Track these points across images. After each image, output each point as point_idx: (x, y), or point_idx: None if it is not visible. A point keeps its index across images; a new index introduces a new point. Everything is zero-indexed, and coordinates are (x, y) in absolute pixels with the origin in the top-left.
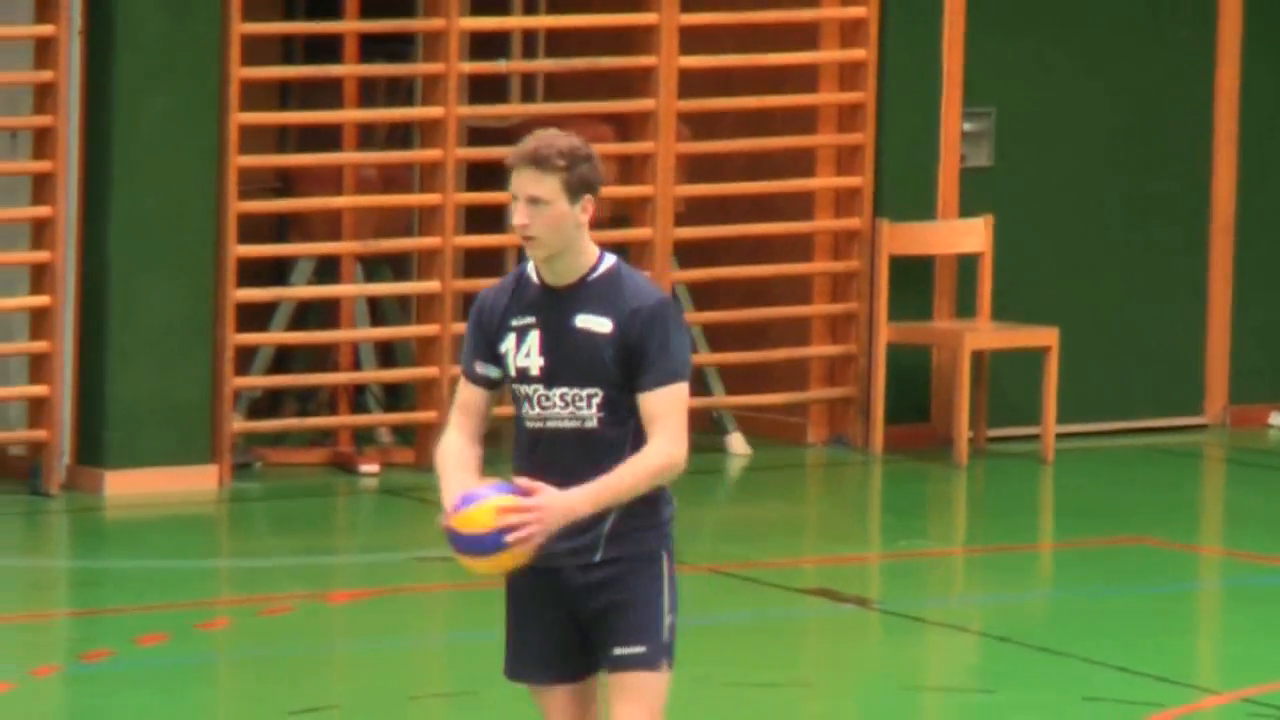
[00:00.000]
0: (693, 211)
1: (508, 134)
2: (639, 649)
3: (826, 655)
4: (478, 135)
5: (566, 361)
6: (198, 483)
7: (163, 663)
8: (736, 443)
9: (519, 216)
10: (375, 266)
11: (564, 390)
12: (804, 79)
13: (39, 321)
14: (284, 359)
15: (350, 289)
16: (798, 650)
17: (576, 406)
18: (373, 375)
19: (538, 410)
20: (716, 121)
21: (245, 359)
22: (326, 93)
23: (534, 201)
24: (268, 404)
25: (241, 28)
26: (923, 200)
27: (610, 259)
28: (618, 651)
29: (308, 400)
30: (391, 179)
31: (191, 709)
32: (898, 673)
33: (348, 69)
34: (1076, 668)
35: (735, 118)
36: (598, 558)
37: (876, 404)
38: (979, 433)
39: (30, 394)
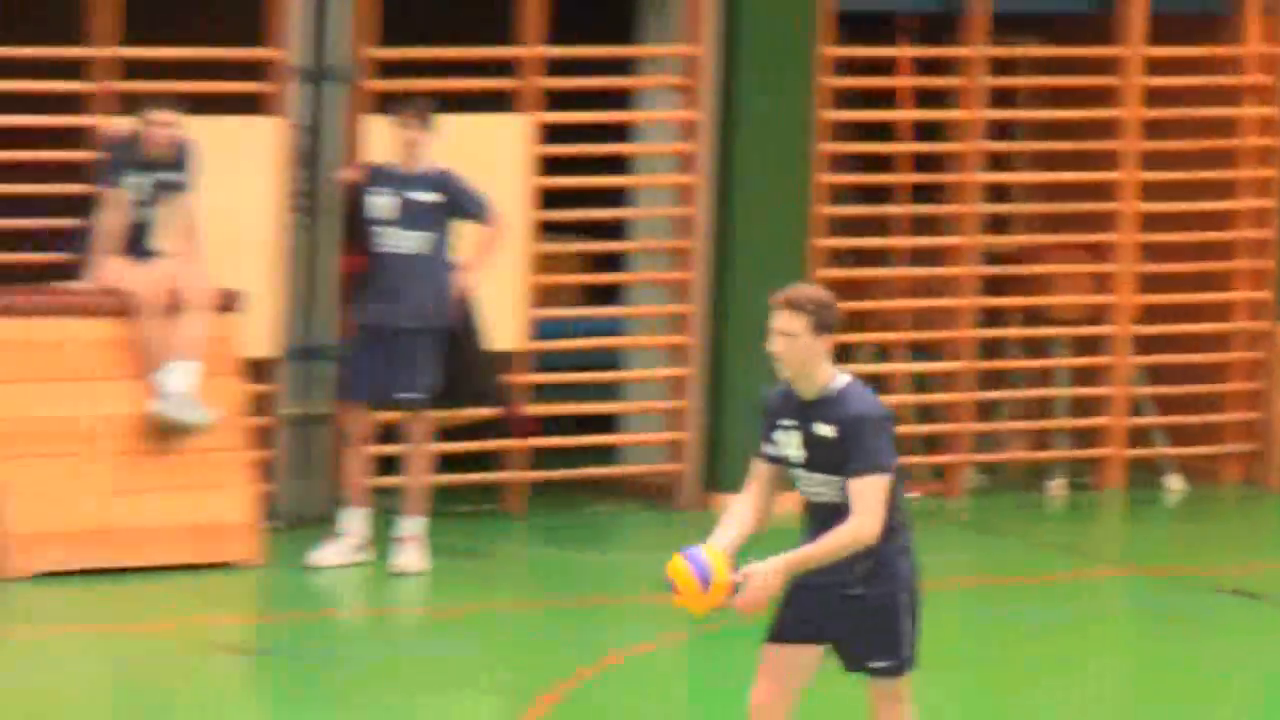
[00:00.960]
0: (1148, 314)
1: (1014, 258)
2: (886, 662)
3: (1240, 642)
4: (989, 258)
5: (817, 456)
6: (780, 504)
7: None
8: (1174, 481)
9: (774, 345)
10: (921, 352)
11: (819, 475)
12: (1223, 220)
13: (675, 386)
14: None
15: (900, 366)
16: (1217, 636)
17: (828, 488)
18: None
19: (804, 486)
20: (1169, 248)
21: None
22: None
23: (787, 335)
24: None
25: (825, 162)
26: None
27: (844, 380)
28: (871, 664)
29: None
30: (926, 288)
31: None
32: None
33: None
34: None
35: (1182, 246)
36: (852, 592)
37: (1276, 455)
38: None
39: (669, 439)
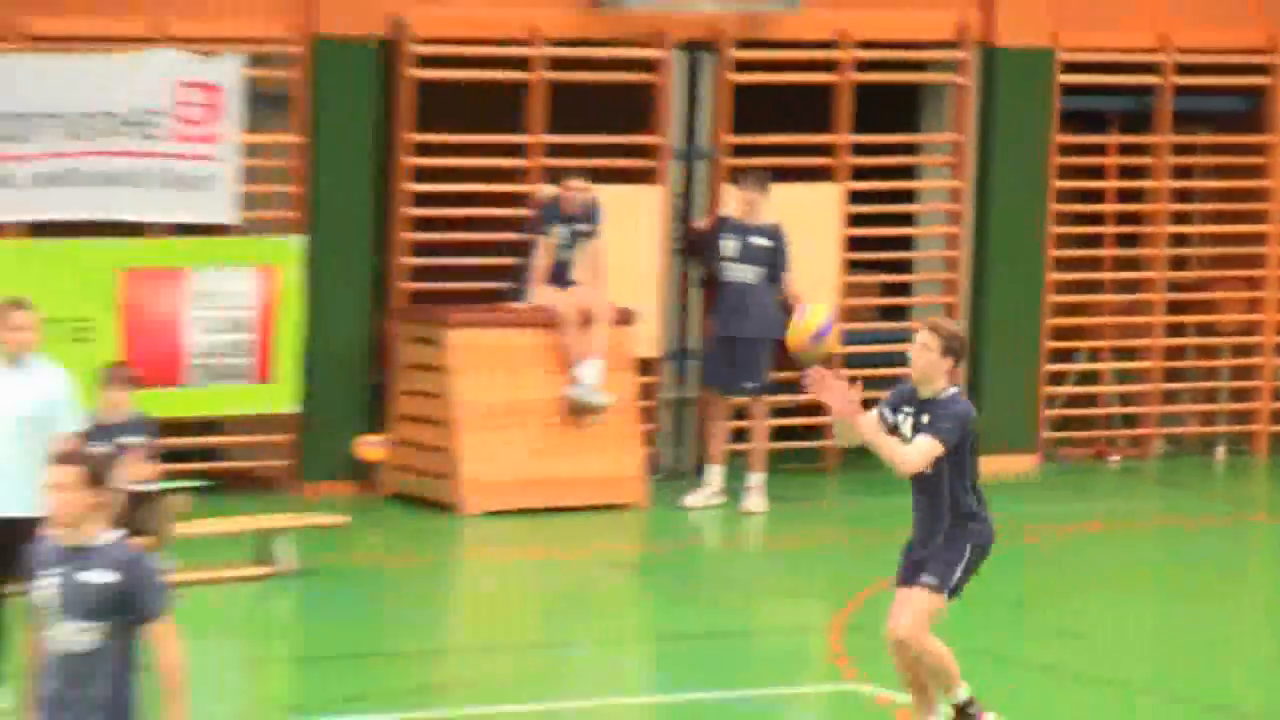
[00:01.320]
0: None
1: (1192, 287)
2: (933, 579)
3: None
4: (1173, 287)
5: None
6: (1022, 465)
7: None
8: None
9: (911, 351)
10: (1123, 354)
11: None
12: None
13: None
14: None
15: (1107, 365)
16: None
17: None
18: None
19: None
20: None
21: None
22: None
23: (924, 347)
24: (1066, 422)
25: (1054, 218)
26: None
27: (952, 390)
28: (922, 578)
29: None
30: (1126, 308)
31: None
32: None
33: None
34: None
35: None
36: (939, 541)
37: None
38: None
39: None
